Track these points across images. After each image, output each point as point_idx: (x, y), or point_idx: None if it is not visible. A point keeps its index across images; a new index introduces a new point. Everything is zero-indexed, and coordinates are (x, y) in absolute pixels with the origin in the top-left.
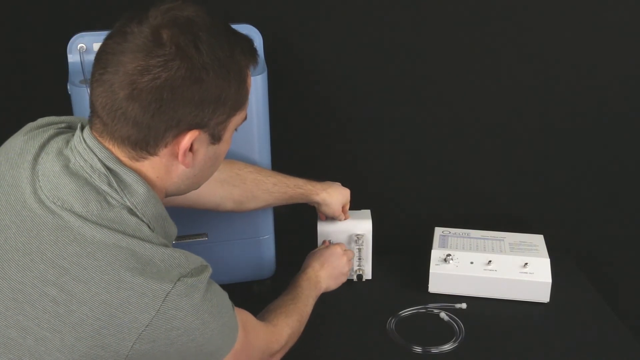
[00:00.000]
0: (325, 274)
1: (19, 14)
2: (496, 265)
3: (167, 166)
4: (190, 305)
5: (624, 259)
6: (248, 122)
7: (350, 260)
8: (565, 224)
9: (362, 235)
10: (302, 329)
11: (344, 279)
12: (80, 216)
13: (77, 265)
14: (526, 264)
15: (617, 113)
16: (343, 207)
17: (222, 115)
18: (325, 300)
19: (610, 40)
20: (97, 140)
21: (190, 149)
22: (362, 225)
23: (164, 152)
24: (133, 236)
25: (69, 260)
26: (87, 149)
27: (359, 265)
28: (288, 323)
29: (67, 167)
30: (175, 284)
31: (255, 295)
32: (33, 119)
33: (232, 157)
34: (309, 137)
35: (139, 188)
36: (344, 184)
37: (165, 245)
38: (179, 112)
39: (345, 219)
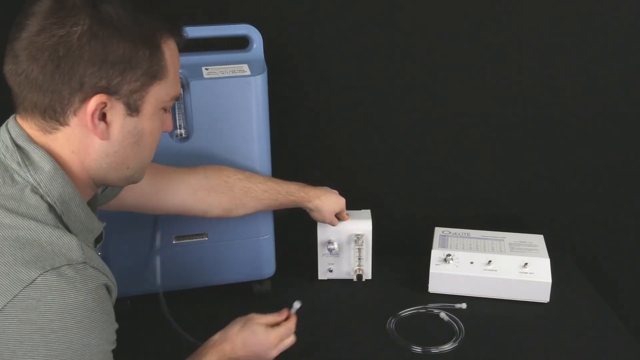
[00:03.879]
0: (244, 355)
1: (18, 14)
2: (496, 265)
3: (82, 139)
4: (57, 302)
5: (624, 259)
6: (248, 122)
7: (280, 342)
8: (565, 224)
9: (362, 235)
10: None
11: None
12: None
13: None
14: (526, 264)
15: (617, 113)
16: (339, 214)
17: (135, 83)
18: (325, 300)
19: (610, 40)
20: (15, 119)
21: (104, 119)
22: (362, 225)
23: (75, 122)
24: (24, 216)
25: None
26: (4, 128)
27: (359, 265)
28: None
29: None
30: (47, 272)
31: (255, 295)
32: None
33: (232, 157)
34: (309, 137)
35: (45, 165)
36: (344, 185)
37: (62, 230)
38: (78, 72)
39: (345, 220)
